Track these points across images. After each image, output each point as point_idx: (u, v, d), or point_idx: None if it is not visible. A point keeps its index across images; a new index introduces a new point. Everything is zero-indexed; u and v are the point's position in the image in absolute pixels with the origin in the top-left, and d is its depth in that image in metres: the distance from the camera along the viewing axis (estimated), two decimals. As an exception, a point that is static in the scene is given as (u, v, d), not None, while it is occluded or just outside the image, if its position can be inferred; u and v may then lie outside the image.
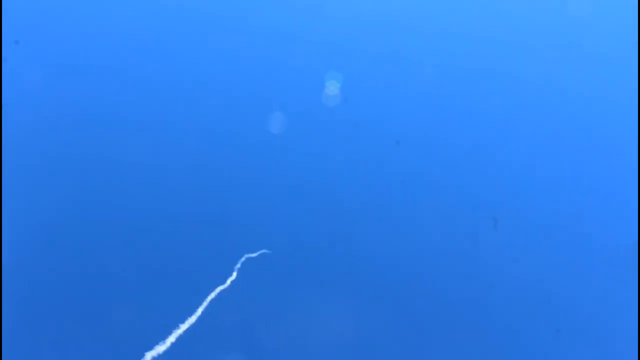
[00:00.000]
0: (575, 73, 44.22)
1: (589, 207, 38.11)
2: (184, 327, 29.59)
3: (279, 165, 36.76)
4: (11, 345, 26.16)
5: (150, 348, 28.51)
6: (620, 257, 35.32)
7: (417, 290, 33.26)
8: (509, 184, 38.46)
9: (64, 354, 27.22)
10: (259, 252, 33.04)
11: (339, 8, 45.15)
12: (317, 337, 30.50)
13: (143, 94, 36.95)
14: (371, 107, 40.31)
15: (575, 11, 45.73)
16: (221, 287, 31.68)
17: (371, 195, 36.91)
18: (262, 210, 34.42)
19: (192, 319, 30.01)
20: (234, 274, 32.24)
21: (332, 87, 37.57)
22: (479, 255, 34.74)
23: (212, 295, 31.24)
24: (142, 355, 28.09)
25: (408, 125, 39.77)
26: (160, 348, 28.62)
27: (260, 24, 43.45)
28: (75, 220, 31.39)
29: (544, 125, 41.70)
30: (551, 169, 39.91)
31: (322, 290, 32.24)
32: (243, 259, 32.76)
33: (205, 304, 30.80)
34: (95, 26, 38.74)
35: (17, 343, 26.43)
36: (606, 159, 40.54)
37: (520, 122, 41.66)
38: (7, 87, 33.66)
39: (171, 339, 29.04)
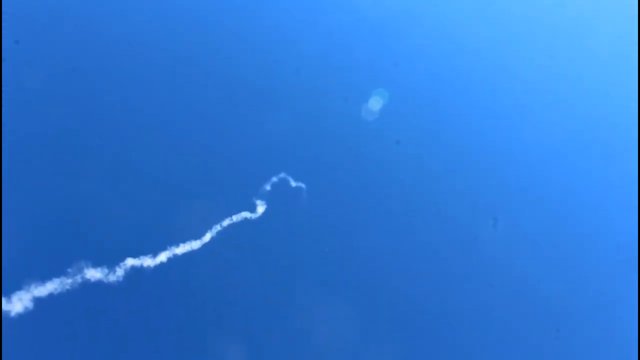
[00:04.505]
0: (574, 73, 44.18)
1: (589, 207, 38.11)
2: (182, 248, 25.05)
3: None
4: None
5: (136, 256, 24.84)
6: (620, 257, 35.33)
7: (417, 289, 33.27)
8: (509, 184, 38.44)
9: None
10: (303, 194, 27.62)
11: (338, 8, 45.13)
12: (317, 336, 30.53)
13: (143, 94, 36.93)
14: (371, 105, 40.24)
15: (575, 11, 45.69)
16: (247, 214, 26.24)
17: (371, 194, 36.93)
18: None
19: (195, 244, 25.27)
20: (264, 206, 26.33)
21: (375, 103, 37.02)
22: (479, 256, 34.76)
23: (229, 221, 25.73)
24: (123, 260, 24.66)
25: (408, 125, 39.76)
26: (147, 261, 24.80)
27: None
28: (75, 220, 31.40)
29: (544, 125, 41.65)
30: (551, 168, 39.89)
31: (322, 287, 32.27)
32: (275, 179, 27.29)
33: (216, 229, 25.57)
34: (96, 26, 38.68)
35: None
36: (606, 158, 40.51)
37: (520, 122, 41.62)
38: (7, 87, 33.62)
39: (162, 257, 24.94)
